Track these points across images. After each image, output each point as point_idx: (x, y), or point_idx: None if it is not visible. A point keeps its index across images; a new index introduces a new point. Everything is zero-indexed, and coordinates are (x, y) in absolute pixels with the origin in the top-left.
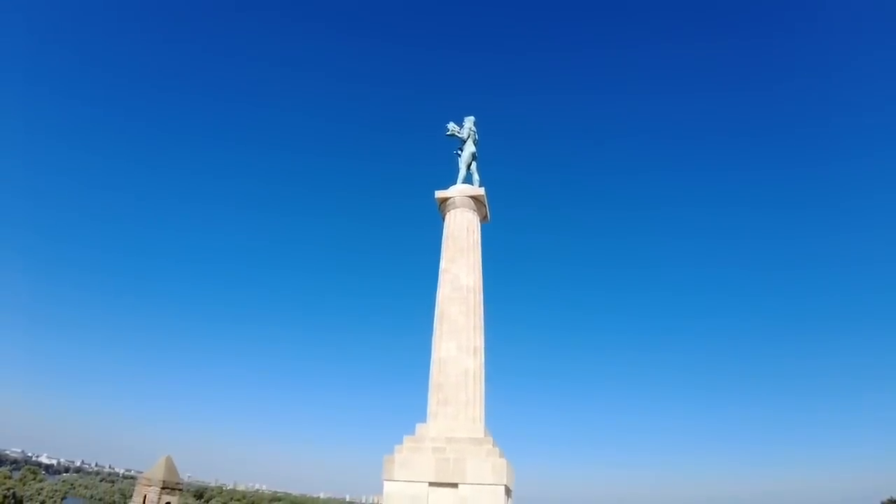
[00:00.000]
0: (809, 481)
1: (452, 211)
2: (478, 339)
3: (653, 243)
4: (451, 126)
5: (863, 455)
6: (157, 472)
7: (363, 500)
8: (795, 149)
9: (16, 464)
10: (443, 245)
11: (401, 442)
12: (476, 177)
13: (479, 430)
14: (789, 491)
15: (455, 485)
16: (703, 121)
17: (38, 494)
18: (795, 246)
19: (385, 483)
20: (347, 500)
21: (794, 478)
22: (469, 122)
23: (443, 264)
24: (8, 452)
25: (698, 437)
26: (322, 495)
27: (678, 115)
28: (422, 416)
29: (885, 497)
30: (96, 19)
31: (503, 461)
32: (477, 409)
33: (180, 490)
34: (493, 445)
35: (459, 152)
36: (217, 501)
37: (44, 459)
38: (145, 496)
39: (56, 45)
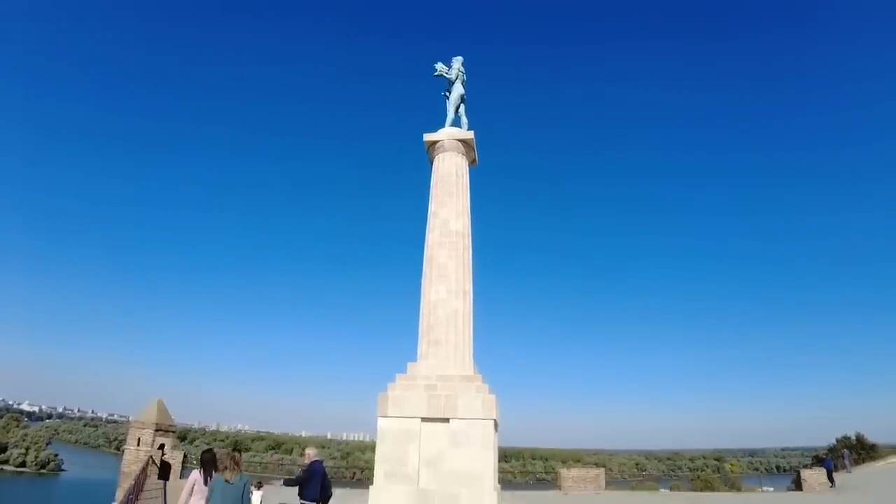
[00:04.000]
0: (769, 418)
1: (441, 155)
2: (467, 283)
3: (645, 186)
4: (439, 66)
5: (819, 396)
6: (150, 415)
7: (343, 437)
8: None
9: None
10: (431, 189)
11: (393, 381)
12: (464, 119)
13: (468, 368)
14: (751, 428)
15: (447, 420)
16: (695, 63)
17: (23, 441)
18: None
19: (379, 419)
20: (329, 437)
21: (756, 415)
22: (457, 62)
23: (432, 208)
24: None
25: (670, 373)
26: (304, 434)
27: (672, 58)
28: (412, 357)
29: (840, 434)
30: None
31: (492, 397)
32: (466, 349)
33: (173, 432)
34: (482, 382)
35: (447, 94)
36: (201, 441)
37: (25, 407)
38: (139, 438)
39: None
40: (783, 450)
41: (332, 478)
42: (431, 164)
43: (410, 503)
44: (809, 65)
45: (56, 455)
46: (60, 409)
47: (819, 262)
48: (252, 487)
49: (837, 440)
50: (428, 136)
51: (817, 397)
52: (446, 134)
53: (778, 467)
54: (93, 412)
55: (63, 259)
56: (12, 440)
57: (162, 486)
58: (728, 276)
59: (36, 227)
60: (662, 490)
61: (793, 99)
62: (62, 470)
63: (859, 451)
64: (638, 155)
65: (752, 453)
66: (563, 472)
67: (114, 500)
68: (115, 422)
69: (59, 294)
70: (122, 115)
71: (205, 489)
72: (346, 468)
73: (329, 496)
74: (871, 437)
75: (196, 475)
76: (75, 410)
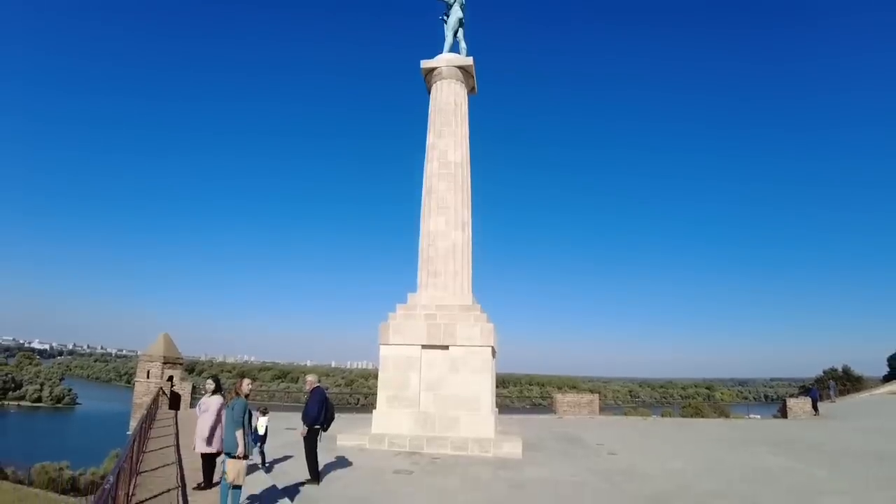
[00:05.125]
0: (759, 351)
1: (439, 82)
2: (465, 214)
3: (642, 122)
4: None
5: (811, 330)
6: (158, 349)
7: (347, 366)
8: None
9: (9, 351)
10: (429, 119)
11: (394, 311)
12: (463, 45)
13: (467, 298)
14: (742, 359)
15: (446, 347)
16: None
17: (37, 377)
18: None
19: (381, 347)
20: (333, 366)
21: (747, 347)
22: None
23: (430, 139)
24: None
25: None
26: (308, 363)
27: None
28: (412, 288)
29: (827, 367)
30: None
31: (490, 325)
32: (465, 280)
33: (181, 364)
34: (480, 312)
35: (445, 18)
36: (209, 373)
37: (36, 345)
38: (148, 371)
39: None
40: (772, 380)
41: (336, 405)
42: (429, 92)
43: (412, 425)
44: None
45: (70, 390)
46: (71, 346)
47: (809, 197)
48: (258, 413)
49: (825, 372)
50: (425, 63)
51: (809, 331)
52: (444, 60)
53: (766, 396)
54: (102, 348)
55: (65, 198)
56: (26, 377)
57: (173, 415)
58: (723, 211)
59: (38, 165)
60: (654, 416)
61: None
62: (77, 404)
63: (845, 382)
64: (640, 91)
65: (742, 383)
66: (559, 397)
67: (128, 430)
68: (124, 357)
69: (64, 233)
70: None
71: (205, 406)
72: (350, 395)
73: (332, 418)
74: (858, 369)
75: (204, 399)
76: (85, 347)
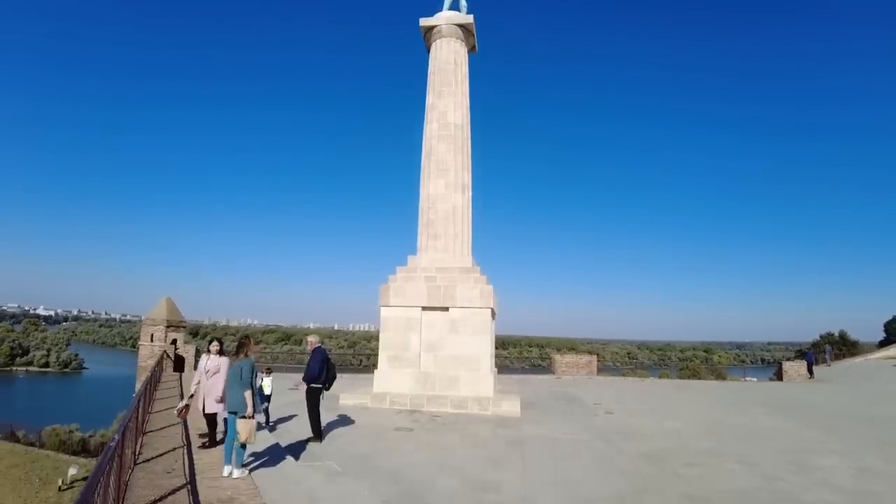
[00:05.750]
0: (758, 315)
1: (438, 41)
2: (466, 176)
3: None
4: None
5: (809, 295)
6: (160, 313)
7: (350, 328)
8: None
9: (14, 317)
10: (429, 79)
11: (395, 273)
12: (463, 2)
13: (467, 260)
14: (741, 323)
15: (446, 308)
16: None
17: (43, 343)
18: None
19: (382, 309)
20: (335, 328)
21: (746, 311)
22: None
23: (429, 100)
24: (5, 308)
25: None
26: (311, 325)
27: None
28: (413, 250)
29: (824, 332)
30: None
31: (489, 287)
32: (465, 243)
33: (184, 327)
34: (480, 274)
35: None
36: (212, 336)
37: (41, 311)
38: (152, 335)
39: None
40: (770, 344)
41: (339, 365)
42: (429, 52)
43: (413, 385)
44: None
45: (77, 355)
46: (76, 313)
47: (809, 160)
48: (262, 374)
49: (821, 336)
50: (424, 21)
51: (807, 297)
52: (444, 18)
53: (763, 360)
54: (106, 313)
55: (67, 164)
56: (33, 343)
57: (178, 377)
58: (723, 174)
59: (40, 134)
60: (652, 378)
61: None
62: (84, 368)
63: (841, 347)
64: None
65: (740, 346)
66: (558, 357)
67: (134, 393)
68: (128, 322)
69: (66, 200)
70: None
71: (215, 367)
72: (353, 356)
73: (333, 378)
74: (855, 335)
75: (204, 358)
76: (90, 313)
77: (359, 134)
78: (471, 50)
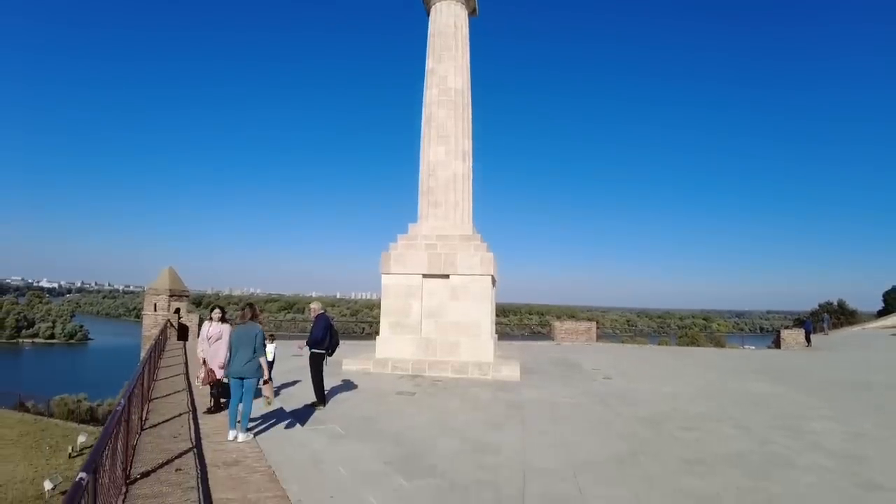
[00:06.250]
0: (758, 283)
1: (438, 4)
2: (466, 144)
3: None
4: None
5: (806, 264)
6: (163, 283)
7: (352, 296)
8: None
9: (18, 290)
10: (428, 44)
11: (395, 241)
12: None
13: (467, 228)
14: (740, 291)
15: (446, 276)
16: None
17: (48, 315)
18: None
19: (383, 276)
20: (338, 296)
21: (745, 280)
22: None
23: (429, 65)
24: (9, 281)
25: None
26: (314, 294)
27: None
28: (413, 218)
29: (823, 300)
30: None
31: (490, 255)
32: (465, 210)
33: (187, 296)
34: (480, 241)
35: None
36: (216, 306)
37: (45, 284)
38: (155, 304)
39: None
40: (769, 312)
41: (342, 332)
42: (428, 14)
43: (414, 350)
44: None
45: (82, 326)
46: (79, 284)
47: (808, 131)
48: (265, 341)
49: (820, 305)
50: None
51: (807, 266)
52: None
53: (762, 328)
54: (110, 285)
55: (67, 134)
56: (38, 315)
57: (182, 345)
58: (723, 143)
59: (39, 104)
60: (651, 345)
61: None
62: (89, 339)
63: (839, 316)
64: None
65: (739, 315)
66: (557, 324)
67: (139, 362)
68: (132, 292)
69: (67, 173)
70: None
71: (217, 334)
72: (355, 324)
73: (336, 344)
74: (854, 304)
75: (206, 325)
76: (93, 284)
77: (360, 104)
78: (471, 13)
